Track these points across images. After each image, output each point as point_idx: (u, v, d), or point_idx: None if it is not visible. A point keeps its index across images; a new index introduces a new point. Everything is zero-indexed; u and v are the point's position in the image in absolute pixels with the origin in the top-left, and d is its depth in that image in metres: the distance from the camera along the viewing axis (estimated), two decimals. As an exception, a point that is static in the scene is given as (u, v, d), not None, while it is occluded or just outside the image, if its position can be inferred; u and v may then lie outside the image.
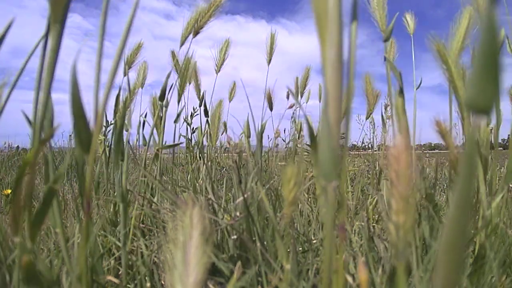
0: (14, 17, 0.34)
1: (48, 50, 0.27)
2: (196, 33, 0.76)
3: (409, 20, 0.67)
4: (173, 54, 0.93)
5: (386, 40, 0.52)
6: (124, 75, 0.87)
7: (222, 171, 1.56)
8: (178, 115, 0.88)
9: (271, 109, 1.26)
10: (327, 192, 0.17)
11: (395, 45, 0.61)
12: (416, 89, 0.66)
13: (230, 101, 1.34)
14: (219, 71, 1.00)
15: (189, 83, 1.09)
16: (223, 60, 0.98)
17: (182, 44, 0.76)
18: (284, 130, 1.87)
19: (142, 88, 0.94)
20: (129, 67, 0.87)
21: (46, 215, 0.28)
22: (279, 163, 1.18)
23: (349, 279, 0.35)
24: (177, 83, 0.80)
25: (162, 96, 0.76)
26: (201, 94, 1.08)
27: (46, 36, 0.29)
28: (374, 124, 1.69)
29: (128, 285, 0.46)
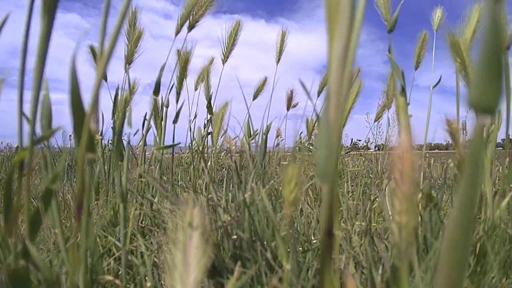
0: (9, 12, 0.34)
1: (37, 42, 0.27)
2: (191, 28, 0.72)
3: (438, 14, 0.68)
4: (178, 52, 0.89)
5: (390, 31, 0.49)
6: (125, 72, 0.81)
7: (222, 171, 1.55)
8: (177, 115, 0.85)
9: (288, 109, 1.24)
10: (323, 194, 0.17)
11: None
12: (433, 87, 0.67)
13: (253, 100, 1.19)
14: (226, 60, 0.88)
15: (202, 82, 1.04)
16: (231, 48, 0.87)
17: (177, 33, 0.71)
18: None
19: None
20: (129, 63, 0.81)
21: (44, 216, 0.28)
22: (280, 163, 1.17)
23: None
24: (176, 77, 0.76)
25: (156, 91, 0.71)
26: (210, 93, 1.00)
27: (27, 29, 0.28)
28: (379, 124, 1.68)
29: (128, 286, 0.46)
